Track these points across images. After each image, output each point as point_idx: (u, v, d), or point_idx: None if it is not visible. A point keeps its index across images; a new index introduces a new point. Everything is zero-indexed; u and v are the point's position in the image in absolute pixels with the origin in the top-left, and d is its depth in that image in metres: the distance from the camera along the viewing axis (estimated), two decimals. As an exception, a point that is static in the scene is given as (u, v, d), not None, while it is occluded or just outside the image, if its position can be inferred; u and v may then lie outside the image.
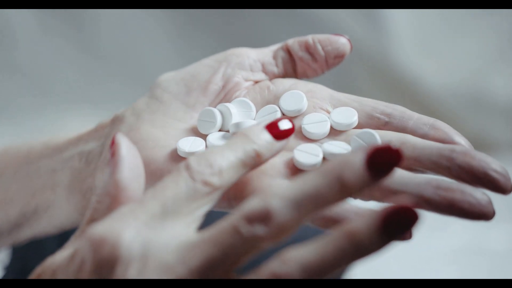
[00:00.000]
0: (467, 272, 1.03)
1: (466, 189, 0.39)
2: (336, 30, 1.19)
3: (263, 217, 0.34)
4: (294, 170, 0.42)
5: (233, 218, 0.34)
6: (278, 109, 0.46)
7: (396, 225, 0.33)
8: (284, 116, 0.42)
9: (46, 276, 0.36)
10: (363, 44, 1.19)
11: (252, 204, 0.34)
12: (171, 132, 0.46)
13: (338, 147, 0.43)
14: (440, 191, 0.39)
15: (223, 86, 0.48)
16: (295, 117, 0.46)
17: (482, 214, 0.38)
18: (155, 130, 0.46)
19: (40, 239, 0.64)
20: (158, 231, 0.35)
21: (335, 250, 0.33)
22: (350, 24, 1.20)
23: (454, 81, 1.23)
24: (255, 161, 0.39)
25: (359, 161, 0.34)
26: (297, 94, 0.46)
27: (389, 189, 0.40)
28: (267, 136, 0.40)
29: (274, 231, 0.34)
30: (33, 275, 0.37)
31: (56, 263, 0.36)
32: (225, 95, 0.48)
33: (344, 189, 0.34)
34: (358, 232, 0.33)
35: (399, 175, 0.40)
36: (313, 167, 0.42)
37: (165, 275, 0.34)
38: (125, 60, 1.29)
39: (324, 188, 0.34)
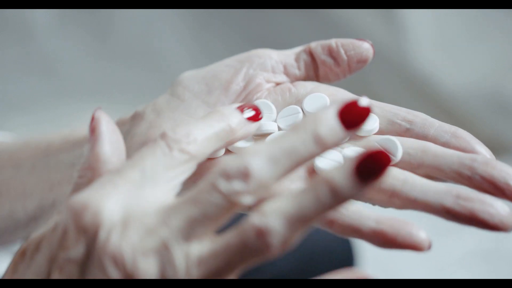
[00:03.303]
0: (480, 276, 1.02)
1: (486, 199, 0.39)
2: (354, 31, 1.19)
3: (241, 173, 0.34)
4: (315, 175, 0.42)
5: (211, 176, 0.35)
6: (301, 110, 0.46)
7: (369, 169, 0.33)
8: (251, 104, 0.44)
9: (30, 250, 0.37)
10: (381, 44, 1.18)
11: (229, 162, 0.35)
12: (163, 129, 0.46)
13: (354, 152, 0.42)
14: (460, 201, 0.39)
15: (244, 87, 0.48)
16: None
17: (502, 225, 0.38)
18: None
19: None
20: (138, 197, 0.36)
21: (313, 197, 0.34)
22: (368, 25, 1.20)
23: (472, 82, 1.22)
24: (229, 135, 0.41)
25: (331, 115, 0.35)
26: (321, 97, 0.46)
27: (409, 197, 0.40)
28: (240, 116, 0.42)
29: (253, 187, 0.34)
30: (18, 252, 0.38)
31: (40, 236, 0.37)
32: (246, 96, 0.48)
33: (319, 143, 0.35)
34: (333, 178, 0.33)
35: (419, 183, 0.40)
36: None
37: (148, 237, 0.35)
38: (142, 53, 1.28)
39: (299, 143, 0.35)
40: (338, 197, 0.33)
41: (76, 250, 0.35)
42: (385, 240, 0.38)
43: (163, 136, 0.38)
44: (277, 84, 0.49)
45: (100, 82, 1.28)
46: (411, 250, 0.38)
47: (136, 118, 0.48)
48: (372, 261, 0.96)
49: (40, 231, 0.37)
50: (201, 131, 0.39)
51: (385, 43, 1.19)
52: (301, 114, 0.46)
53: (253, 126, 0.43)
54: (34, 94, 1.26)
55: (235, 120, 0.41)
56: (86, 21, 1.25)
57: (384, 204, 0.41)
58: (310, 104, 0.46)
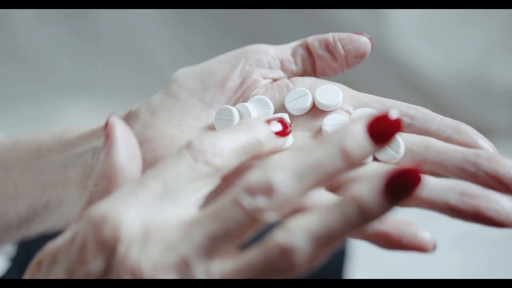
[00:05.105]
0: (469, 258, 1.03)
1: (491, 196, 0.38)
2: (337, 22, 1.18)
3: (265, 189, 0.33)
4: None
5: (234, 191, 0.33)
6: (309, 91, 0.45)
7: (400, 188, 0.32)
8: (279, 116, 0.42)
9: (47, 261, 0.36)
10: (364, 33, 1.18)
11: (253, 177, 0.33)
12: (187, 130, 0.45)
13: None
14: (465, 198, 0.38)
15: (241, 84, 0.47)
16: (324, 112, 0.45)
17: (508, 222, 0.38)
18: (171, 128, 0.45)
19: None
20: (159, 211, 0.34)
21: (341, 216, 0.32)
22: (351, 15, 1.19)
23: (455, 68, 1.23)
24: (256, 149, 0.39)
25: (359, 129, 0.33)
26: (333, 89, 0.45)
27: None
28: (267, 129, 0.40)
29: (277, 203, 0.33)
30: (34, 262, 0.36)
31: (57, 247, 0.36)
32: (242, 93, 0.47)
33: (346, 158, 0.33)
34: (362, 196, 0.32)
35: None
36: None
37: (169, 253, 0.33)
38: (124, 48, 1.27)
39: (326, 158, 0.33)
40: (366, 216, 0.32)
41: (95, 264, 0.34)
42: (389, 241, 0.37)
43: (188, 146, 0.36)
44: (274, 80, 0.48)
45: (82, 78, 1.27)
46: (416, 251, 0.37)
47: (130, 117, 0.47)
48: (364, 253, 0.97)
49: (57, 242, 0.36)
50: (227, 143, 0.37)
51: (368, 33, 1.18)
52: (310, 95, 0.45)
53: (281, 141, 0.41)
54: (13, 91, 1.24)
55: (262, 133, 0.39)
56: (69, 17, 1.23)
57: None
58: (322, 95, 0.45)
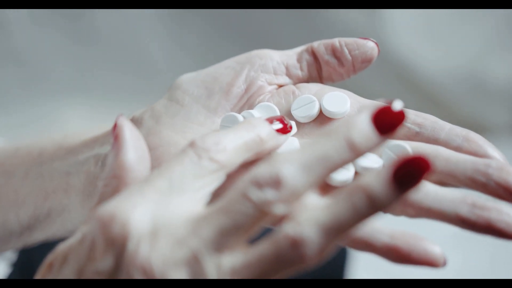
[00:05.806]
0: (468, 258, 1.03)
1: (502, 208, 0.38)
2: (331, 22, 1.17)
3: (273, 181, 0.33)
4: (325, 185, 0.41)
5: (242, 185, 0.33)
6: (316, 99, 0.45)
7: (408, 175, 0.32)
8: (280, 116, 0.42)
9: (58, 263, 0.36)
10: (361, 34, 1.17)
11: (260, 170, 0.33)
12: (192, 138, 0.45)
13: (369, 160, 0.41)
14: (476, 210, 0.38)
15: (246, 90, 0.46)
16: (332, 120, 0.45)
17: None
18: (175, 135, 0.45)
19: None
20: (166, 207, 0.35)
21: (350, 206, 0.32)
22: (346, 14, 1.18)
23: (453, 67, 1.22)
24: (259, 146, 0.39)
25: (365, 120, 0.34)
26: (340, 96, 0.45)
27: (423, 205, 0.39)
28: (269, 127, 0.40)
29: (285, 195, 0.33)
30: (45, 264, 0.36)
31: (67, 248, 0.36)
32: (248, 99, 0.46)
33: (353, 149, 0.33)
34: (370, 186, 0.32)
35: (433, 191, 0.39)
36: (345, 182, 0.41)
37: (179, 249, 0.33)
38: (122, 49, 1.26)
39: (332, 149, 0.33)
40: (375, 205, 0.32)
41: (105, 262, 0.34)
42: (399, 256, 0.37)
43: (191, 144, 0.37)
44: (280, 86, 0.47)
45: (79, 80, 1.26)
46: (426, 266, 0.37)
47: (133, 124, 0.46)
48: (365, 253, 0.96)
49: (67, 243, 0.36)
50: (230, 140, 0.37)
51: (365, 32, 1.17)
52: (317, 102, 0.45)
53: (283, 138, 0.41)
54: (9, 93, 1.23)
55: (264, 131, 0.40)
56: (67, 21, 1.22)
57: (397, 213, 0.40)
58: (329, 103, 0.44)
